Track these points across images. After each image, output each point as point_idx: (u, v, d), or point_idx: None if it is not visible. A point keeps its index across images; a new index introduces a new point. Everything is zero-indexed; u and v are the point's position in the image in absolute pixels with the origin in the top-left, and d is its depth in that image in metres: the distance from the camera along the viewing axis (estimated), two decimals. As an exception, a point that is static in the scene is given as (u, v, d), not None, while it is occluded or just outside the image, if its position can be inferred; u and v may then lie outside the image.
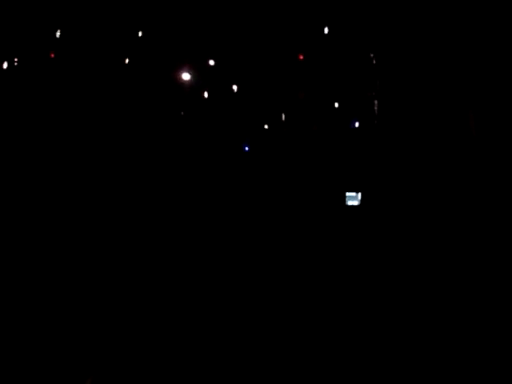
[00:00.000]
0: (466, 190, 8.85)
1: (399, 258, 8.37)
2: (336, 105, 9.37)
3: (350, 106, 9.40)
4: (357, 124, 9.34)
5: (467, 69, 9.21)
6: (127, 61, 9.12)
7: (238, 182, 9.01)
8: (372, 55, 9.36)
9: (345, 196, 8.82)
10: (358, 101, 9.39)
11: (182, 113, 9.22)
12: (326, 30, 9.37)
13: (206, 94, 9.27)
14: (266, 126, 9.31)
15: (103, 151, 8.91)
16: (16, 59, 9.10)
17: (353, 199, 8.82)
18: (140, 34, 9.13)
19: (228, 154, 9.18)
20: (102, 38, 9.15)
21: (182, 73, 9.21)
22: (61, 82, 9.17)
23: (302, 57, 9.39)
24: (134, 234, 8.49)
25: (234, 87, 9.32)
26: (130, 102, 9.12)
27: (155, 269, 8.08)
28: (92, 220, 8.42)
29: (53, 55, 9.05)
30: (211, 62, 9.28)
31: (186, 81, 9.22)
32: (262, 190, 8.98)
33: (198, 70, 9.22)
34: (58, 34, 9.06)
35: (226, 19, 9.24)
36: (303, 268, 8.24)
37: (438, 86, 9.27)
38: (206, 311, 7.49)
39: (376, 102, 9.33)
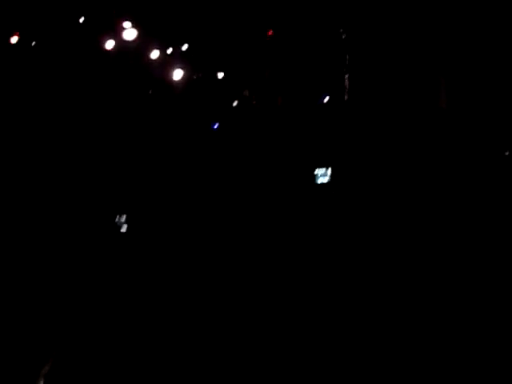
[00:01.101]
0: (434, 164, 8.68)
1: (373, 238, 8.27)
2: (305, 80, 9.30)
3: (320, 80, 9.32)
4: (326, 99, 9.26)
5: (437, 38, 9.04)
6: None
7: (208, 160, 9.06)
8: (341, 30, 9.25)
9: (314, 174, 8.69)
10: (328, 76, 9.30)
11: (151, 91, 9.31)
12: (297, 6, 9.29)
13: (174, 73, 9.32)
14: (234, 104, 9.33)
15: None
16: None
17: (323, 176, 8.69)
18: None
19: (197, 132, 9.23)
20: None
21: (151, 51, 9.29)
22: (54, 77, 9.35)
23: (271, 32, 9.35)
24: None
25: (204, 66, 9.35)
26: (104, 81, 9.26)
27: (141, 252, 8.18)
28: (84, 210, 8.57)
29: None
30: (182, 41, 9.33)
31: (155, 59, 9.30)
32: (231, 169, 9.00)
33: (168, 48, 9.28)
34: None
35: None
36: (276, 252, 8.22)
37: (407, 58, 9.14)
38: (192, 296, 7.56)
39: (346, 76, 9.22)
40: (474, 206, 8.12)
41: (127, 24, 9.27)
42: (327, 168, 8.76)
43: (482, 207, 8.03)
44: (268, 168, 8.97)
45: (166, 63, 9.29)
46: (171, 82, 9.36)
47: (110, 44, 9.25)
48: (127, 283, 7.54)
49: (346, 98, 9.16)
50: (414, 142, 8.81)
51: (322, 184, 8.82)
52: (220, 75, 9.38)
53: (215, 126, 9.27)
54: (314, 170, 8.79)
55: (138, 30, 9.28)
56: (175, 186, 8.93)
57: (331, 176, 8.78)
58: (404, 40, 9.00)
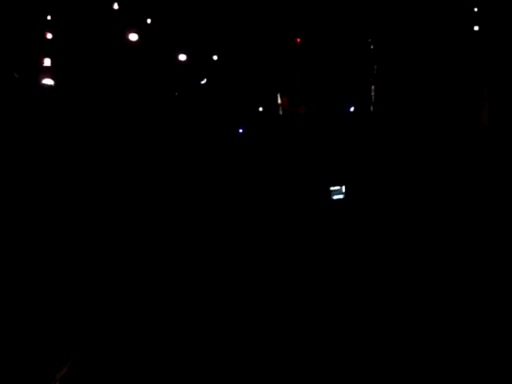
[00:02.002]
0: (470, 188, 8.52)
1: (390, 253, 8.23)
2: (332, 90, 9.29)
3: (346, 91, 9.31)
4: (352, 109, 9.24)
5: (476, 51, 8.89)
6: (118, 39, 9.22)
7: (230, 166, 9.03)
8: (370, 40, 9.25)
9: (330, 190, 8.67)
10: (355, 86, 9.29)
11: (177, 93, 9.30)
12: (326, 14, 9.30)
13: (202, 77, 9.32)
14: (260, 109, 9.32)
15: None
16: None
17: (337, 193, 8.68)
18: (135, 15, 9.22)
19: (222, 136, 9.21)
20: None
21: (177, 54, 9.28)
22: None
23: (299, 40, 9.35)
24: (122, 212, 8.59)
25: (230, 71, 9.35)
26: (124, 80, 9.22)
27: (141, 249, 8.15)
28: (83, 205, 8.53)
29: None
30: (208, 46, 9.32)
31: (181, 62, 9.29)
32: (252, 177, 8.96)
33: (194, 52, 9.27)
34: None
35: (224, 2, 9.26)
36: (291, 263, 8.19)
37: (441, 71, 9.00)
38: (189, 290, 7.54)
39: (373, 87, 9.21)
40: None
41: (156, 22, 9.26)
42: (341, 186, 8.69)
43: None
44: (286, 176, 8.94)
45: (194, 66, 9.27)
46: (198, 85, 9.34)
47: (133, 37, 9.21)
48: (131, 282, 7.52)
49: (371, 109, 9.16)
50: (448, 164, 8.60)
51: (338, 200, 8.77)
52: (247, 79, 9.35)
53: (240, 131, 9.25)
54: (331, 186, 8.73)
55: (173, 30, 9.28)
56: (193, 188, 8.91)
57: (347, 193, 8.71)
58: (438, 49, 8.91)
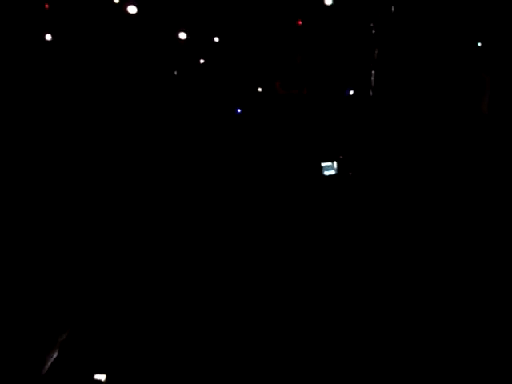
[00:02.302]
0: (468, 174, 8.45)
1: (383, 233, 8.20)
2: (332, 72, 9.25)
3: (346, 75, 9.27)
4: (351, 92, 9.21)
5: (479, 38, 8.81)
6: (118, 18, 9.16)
7: (228, 145, 9.00)
8: (372, 24, 9.20)
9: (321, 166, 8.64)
10: (355, 70, 9.25)
11: (176, 72, 9.24)
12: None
13: (200, 56, 9.27)
14: (259, 89, 9.27)
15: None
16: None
17: (329, 169, 8.65)
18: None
19: (220, 116, 9.18)
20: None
21: (176, 32, 9.21)
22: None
23: (300, 22, 9.30)
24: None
25: (229, 49, 9.29)
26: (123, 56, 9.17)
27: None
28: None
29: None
30: (207, 24, 9.26)
31: (180, 41, 9.23)
32: (248, 155, 8.93)
33: (194, 30, 9.21)
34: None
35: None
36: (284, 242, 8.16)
37: (443, 58, 8.93)
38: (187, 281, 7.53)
39: (373, 72, 9.17)
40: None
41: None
42: (333, 162, 8.66)
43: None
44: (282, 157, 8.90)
45: (193, 47, 9.22)
46: (198, 66, 9.30)
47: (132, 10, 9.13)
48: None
49: (371, 93, 9.12)
50: (444, 151, 8.54)
51: (330, 176, 8.72)
52: (247, 59, 9.30)
53: (238, 111, 9.22)
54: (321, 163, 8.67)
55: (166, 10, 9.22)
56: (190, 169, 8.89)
57: (339, 169, 8.67)
58: (439, 34, 8.85)
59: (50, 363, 6.02)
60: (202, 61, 9.33)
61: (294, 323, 6.85)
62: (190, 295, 7.09)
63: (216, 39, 9.30)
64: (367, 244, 7.87)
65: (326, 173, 8.58)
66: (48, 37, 9.04)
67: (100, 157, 8.80)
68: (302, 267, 7.58)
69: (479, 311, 6.82)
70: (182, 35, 9.22)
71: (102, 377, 5.99)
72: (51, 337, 6.19)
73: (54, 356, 6.10)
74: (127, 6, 9.01)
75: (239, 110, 9.22)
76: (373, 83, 9.10)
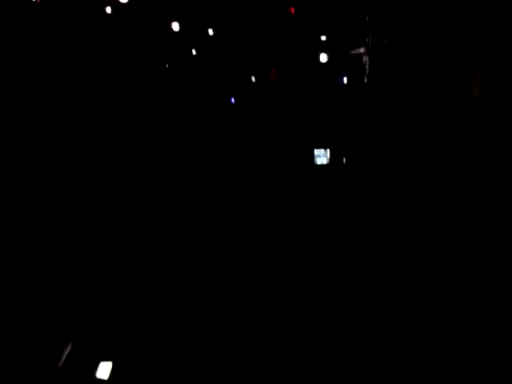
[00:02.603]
0: (457, 154, 8.48)
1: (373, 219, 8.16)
2: (325, 60, 9.23)
3: (341, 61, 9.25)
4: (345, 80, 9.19)
5: (471, 25, 8.75)
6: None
7: (222, 133, 8.99)
8: (365, 11, 9.19)
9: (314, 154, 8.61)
10: (349, 57, 9.24)
11: (167, 64, 9.21)
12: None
13: (194, 46, 9.24)
14: (253, 79, 9.25)
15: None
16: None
17: (322, 157, 8.63)
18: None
19: (215, 106, 9.16)
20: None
21: (170, 23, 9.18)
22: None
23: (293, 10, 9.28)
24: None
25: (223, 39, 9.27)
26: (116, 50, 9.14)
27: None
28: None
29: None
30: (201, 15, 9.23)
31: (174, 32, 9.20)
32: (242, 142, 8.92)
33: (188, 20, 9.18)
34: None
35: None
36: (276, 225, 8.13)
37: (436, 41, 8.87)
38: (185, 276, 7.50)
39: (367, 58, 9.17)
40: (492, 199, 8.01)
41: None
42: (326, 149, 8.64)
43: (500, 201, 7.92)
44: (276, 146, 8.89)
45: (186, 36, 9.19)
46: (191, 55, 9.27)
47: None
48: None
49: (365, 80, 9.12)
50: (437, 134, 8.55)
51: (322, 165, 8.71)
52: (240, 49, 9.28)
53: (232, 101, 9.21)
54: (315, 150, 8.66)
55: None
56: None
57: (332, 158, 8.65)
58: (433, 21, 8.81)
59: (65, 356, 6.09)
60: (194, 51, 9.29)
61: (285, 312, 6.86)
62: (190, 290, 7.11)
63: (210, 29, 9.27)
64: (360, 233, 7.88)
65: (319, 160, 8.57)
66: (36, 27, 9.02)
67: (90, 146, 8.79)
68: (293, 255, 7.58)
69: (472, 306, 6.85)
70: (175, 25, 9.19)
71: (108, 364, 6.04)
72: (65, 331, 6.25)
73: (68, 349, 6.17)
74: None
75: (233, 100, 9.20)
76: (367, 70, 9.11)
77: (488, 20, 8.58)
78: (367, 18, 9.18)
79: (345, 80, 9.24)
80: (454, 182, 8.16)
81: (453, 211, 7.87)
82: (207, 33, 9.31)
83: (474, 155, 8.23)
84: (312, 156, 8.70)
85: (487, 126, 8.27)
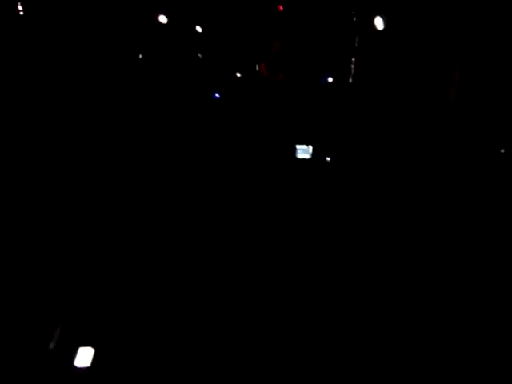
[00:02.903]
0: (432, 158, 8.55)
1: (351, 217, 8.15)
2: (311, 59, 9.22)
3: (326, 61, 9.23)
4: (330, 79, 9.18)
5: (453, 24, 8.89)
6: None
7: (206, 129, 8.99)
8: (353, 12, 9.16)
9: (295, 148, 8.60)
10: (335, 57, 9.21)
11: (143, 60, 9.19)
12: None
13: (178, 42, 9.22)
14: (238, 75, 9.24)
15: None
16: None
17: (303, 152, 8.62)
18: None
19: (198, 101, 9.16)
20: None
21: (156, 18, 9.17)
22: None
23: (281, 8, 9.26)
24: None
25: (209, 35, 9.25)
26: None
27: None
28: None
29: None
30: (186, 11, 9.21)
31: (159, 27, 9.18)
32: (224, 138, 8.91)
33: (172, 18, 9.17)
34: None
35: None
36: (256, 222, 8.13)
37: (419, 45, 8.99)
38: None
39: (353, 59, 9.14)
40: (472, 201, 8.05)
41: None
42: (308, 145, 8.64)
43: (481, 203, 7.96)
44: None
45: (170, 30, 9.18)
46: (176, 51, 9.26)
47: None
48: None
49: (350, 80, 9.10)
50: (415, 135, 8.68)
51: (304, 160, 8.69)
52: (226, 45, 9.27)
53: (216, 96, 9.20)
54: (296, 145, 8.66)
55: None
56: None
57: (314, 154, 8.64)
58: (417, 25, 8.88)
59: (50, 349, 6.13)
60: (180, 45, 9.29)
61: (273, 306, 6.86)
62: (182, 290, 7.12)
63: (197, 25, 9.27)
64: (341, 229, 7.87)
65: (301, 155, 8.56)
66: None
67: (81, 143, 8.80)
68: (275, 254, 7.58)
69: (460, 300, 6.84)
70: (163, 19, 9.18)
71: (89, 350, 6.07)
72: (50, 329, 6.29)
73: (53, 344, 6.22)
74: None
75: (217, 95, 9.20)
76: (352, 70, 9.10)
77: (467, 29, 8.75)
78: (355, 19, 9.17)
79: (329, 79, 9.22)
80: (435, 180, 8.23)
81: (434, 211, 7.91)
82: (195, 28, 9.30)
83: (452, 151, 8.39)
84: (294, 151, 8.69)
85: (464, 124, 8.46)
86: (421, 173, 8.40)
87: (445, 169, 8.39)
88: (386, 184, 8.49)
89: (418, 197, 8.25)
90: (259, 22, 9.27)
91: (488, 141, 8.58)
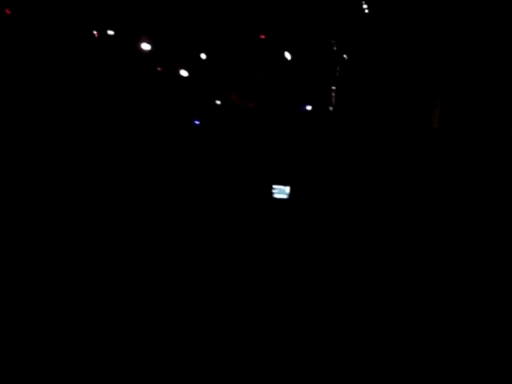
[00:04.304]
0: (419, 186, 8.66)
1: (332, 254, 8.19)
2: (289, 87, 9.24)
3: (305, 90, 9.28)
4: (308, 108, 9.21)
5: (433, 55, 9.09)
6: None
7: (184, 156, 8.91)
8: (333, 41, 9.25)
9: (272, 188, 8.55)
10: (314, 86, 9.27)
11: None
12: (291, 13, 9.24)
13: (161, 67, 9.14)
14: (217, 102, 9.20)
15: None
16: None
17: (281, 193, 8.57)
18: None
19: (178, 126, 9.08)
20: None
21: (140, 43, 9.06)
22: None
23: (263, 36, 9.26)
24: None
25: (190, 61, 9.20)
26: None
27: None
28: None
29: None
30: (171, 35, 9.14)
31: (141, 51, 9.08)
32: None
33: (157, 42, 9.09)
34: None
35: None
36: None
37: (400, 75, 9.15)
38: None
39: (334, 88, 9.22)
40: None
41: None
42: (285, 186, 8.61)
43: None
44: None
45: (155, 57, 9.10)
46: (160, 77, 9.19)
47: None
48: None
49: (330, 109, 9.17)
50: (399, 165, 8.77)
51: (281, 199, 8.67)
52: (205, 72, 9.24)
53: (196, 122, 9.14)
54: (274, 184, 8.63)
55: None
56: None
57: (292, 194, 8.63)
58: (398, 56, 9.04)
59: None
60: (160, 69, 9.20)
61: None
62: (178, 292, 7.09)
63: (176, 49, 9.19)
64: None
65: (278, 196, 8.49)
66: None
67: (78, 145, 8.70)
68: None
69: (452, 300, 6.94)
70: (146, 46, 9.07)
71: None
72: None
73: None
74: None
75: (197, 122, 9.13)
76: (333, 100, 9.17)
77: (447, 63, 8.99)
78: (335, 48, 9.25)
79: (308, 108, 9.26)
80: (418, 208, 8.36)
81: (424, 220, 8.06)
82: (175, 52, 9.23)
83: (433, 176, 8.57)
84: (271, 190, 8.64)
85: (445, 151, 8.66)
86: (406, 202, 8.51)
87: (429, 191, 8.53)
88: (368, 217, 8.56)
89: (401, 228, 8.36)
90: (240, 50, 9.26)
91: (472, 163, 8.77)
